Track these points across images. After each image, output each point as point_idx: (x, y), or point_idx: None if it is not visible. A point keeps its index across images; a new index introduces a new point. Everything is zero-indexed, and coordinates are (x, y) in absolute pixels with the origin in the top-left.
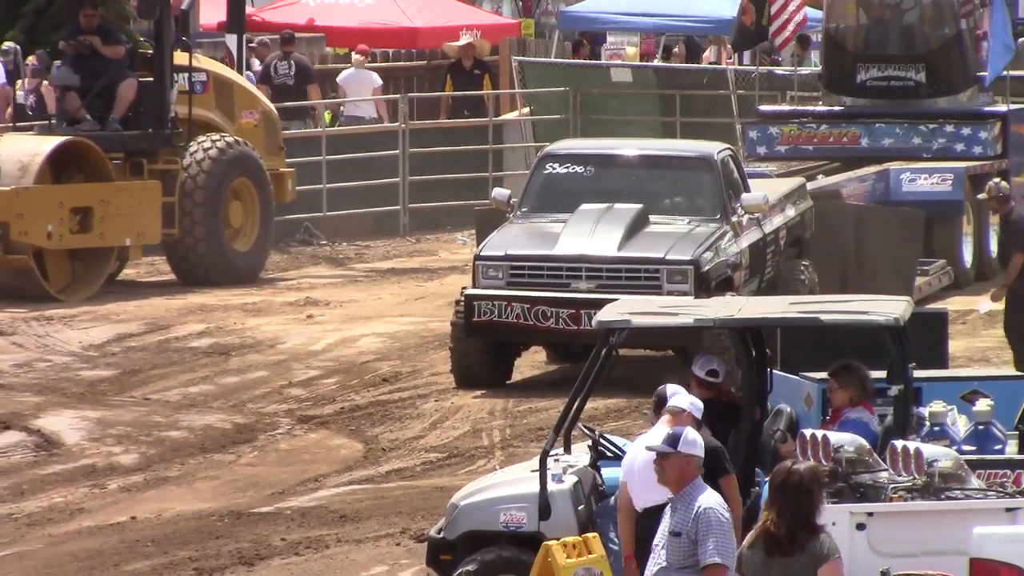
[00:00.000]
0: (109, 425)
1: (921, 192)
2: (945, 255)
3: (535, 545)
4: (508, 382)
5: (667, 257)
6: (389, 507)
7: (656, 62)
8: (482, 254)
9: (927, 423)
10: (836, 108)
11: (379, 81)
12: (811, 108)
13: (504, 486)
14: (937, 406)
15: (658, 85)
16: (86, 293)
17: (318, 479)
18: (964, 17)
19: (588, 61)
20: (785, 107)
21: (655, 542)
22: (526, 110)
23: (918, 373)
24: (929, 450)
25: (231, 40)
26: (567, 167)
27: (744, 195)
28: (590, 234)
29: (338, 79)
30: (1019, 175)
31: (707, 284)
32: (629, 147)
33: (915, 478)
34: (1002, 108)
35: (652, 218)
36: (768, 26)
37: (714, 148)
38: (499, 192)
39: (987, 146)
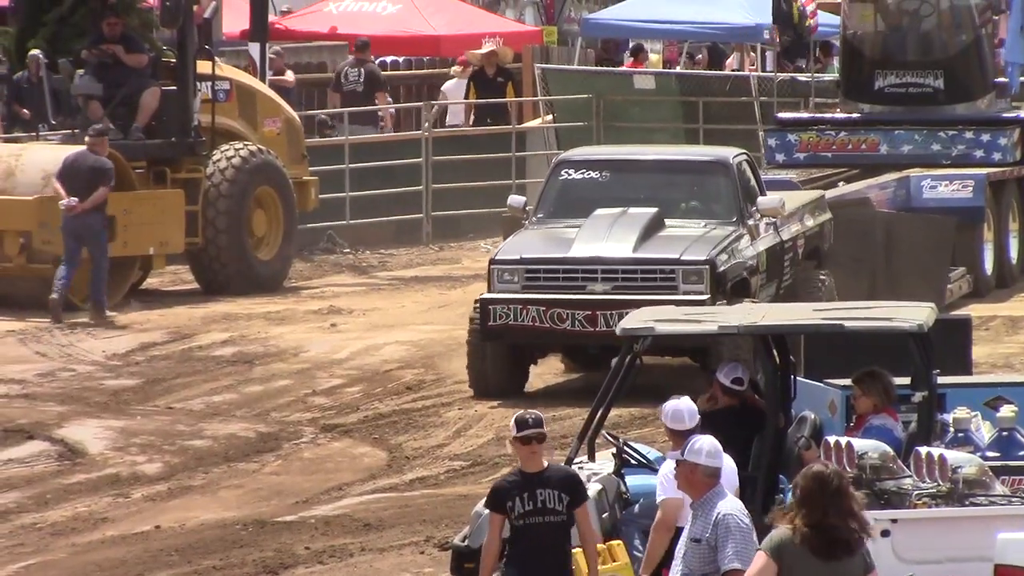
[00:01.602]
0: (133, 434)
1: (942, 199)
2: (965, 262)
3: None
4: (527, 391)
5: (682, 258)
6: (413, 515)
7: (679, 69)
8: (497, 258)
9: (951, 429)
10: (855, 115)
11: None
12: (830, 115)
13: None
14: (961, 412)
15: (681, 92)
16: (110, 302)
17: (342, 488)
18: (982, 24)
19: (612, 68)
20: (804, 114)
21: (677, 549)
22: (549, 117)
23: (942, 379)
24: (953, 456)
25: (254, 49)
26: (582, 173)
27: (760, 199)
28: (605, 237)
29: (443, 88)
30: None
31: (723, 285)
32: (644, 153)
33: (939, 484)
34: (1021, 114)
35: (668, 221)
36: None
37: (730, 153)
38: (514, 199)
39: (1006, 152)
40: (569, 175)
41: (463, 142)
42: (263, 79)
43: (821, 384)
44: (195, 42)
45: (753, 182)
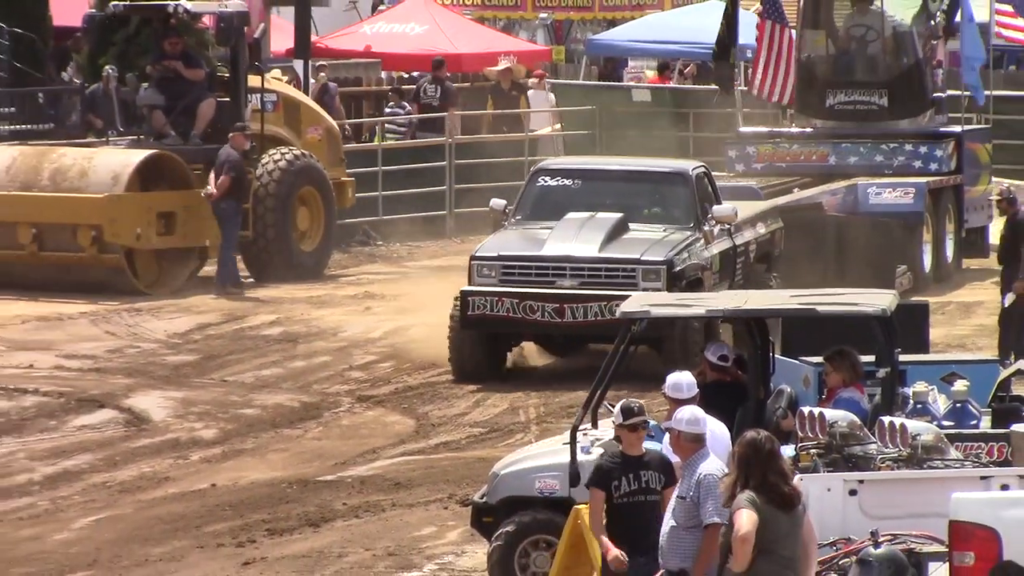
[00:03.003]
0: (191, 404)
1: (886, 204)
2: (907, 261)
3: (566, 509)
4: (508, 372)
5: (642, 258)
6: (438, 475)
7: (672, 84)
8: (477, 255)
9: (911, 401)
10: (808, 129)
11: (553, 98)
12: (786, 129)
13: (539, 457)
14: (920, 386)
15: (673, 104)
16: (171, 288)
17: (375, 451)
18: (922, 47)
19: (612, 83)
20: (762, 128)
21: (668, 507)
22: (557, 126)
23: (903, 357)
24: (913, 425)
25: (298, 65)
26: (557, 180)
27: (715, 207)
28: (574, 238)
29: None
30: (973, 188)
31: (678, 283)
32: (612, 163)
33: (900, 450)
34: (957, 129)
35: (632, 225)
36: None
37: (689, 165)
38: (496, 202)
39: (942, 163)
40: (545, 182)
41: (482, 147)
42: (306, 92)
43: (796, 361)
44: (246, 59)
45: (710, 191)
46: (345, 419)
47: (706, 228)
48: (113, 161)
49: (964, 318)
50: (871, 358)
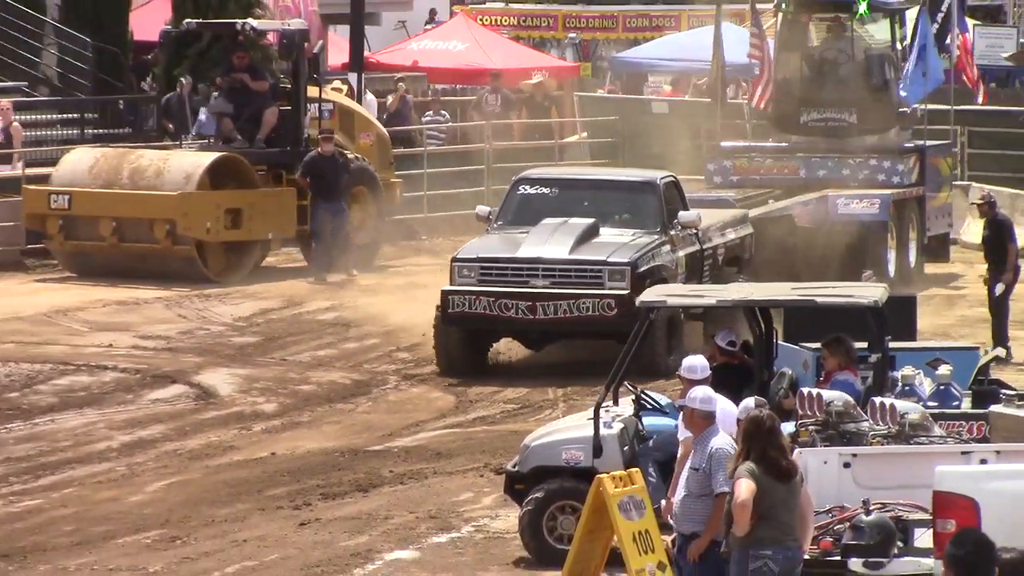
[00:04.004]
0: (254, 380)
1: (854, 213)
2: (872, 266)
3: (590, 478)
4: (488, 366)
5: (609, 260)
6: (475, 447)
7: (687, 97)
8: (458, 257)
9: (900, 384)
10: (783, 144)
11: None
12: (763, 144)
13: (566, 430)
14: (908, 370)
15: (688, 115)
16: (237, 276)
17: (419, 424)
18: (889, 69)
19: (633, 96)
20: (741, 143)
21: (681, 477)
22: (584, 134)
23: (893, 344)
24: (901, 405)
25: (352, 77)
26: (536, 189)
27: (681, 213)
28: (547, 241)
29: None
30: (934, 199)
31: (643, 283)
32: (587, 174)
33: (890, 427)
34: (920, 144)
35: (603, 230)
36: None
37: (658, 175)
38: (481, 209)
39: (904, 176)
40: (526, 190)
41: (517, 152)
42: (359, 101)
43: (797, 347)
44: (306, 72)
45: (677, 199)
46: (392, 395)
47: (672, 233)
48: (186, 162)
49: (948, 309)
50: (864, 345)
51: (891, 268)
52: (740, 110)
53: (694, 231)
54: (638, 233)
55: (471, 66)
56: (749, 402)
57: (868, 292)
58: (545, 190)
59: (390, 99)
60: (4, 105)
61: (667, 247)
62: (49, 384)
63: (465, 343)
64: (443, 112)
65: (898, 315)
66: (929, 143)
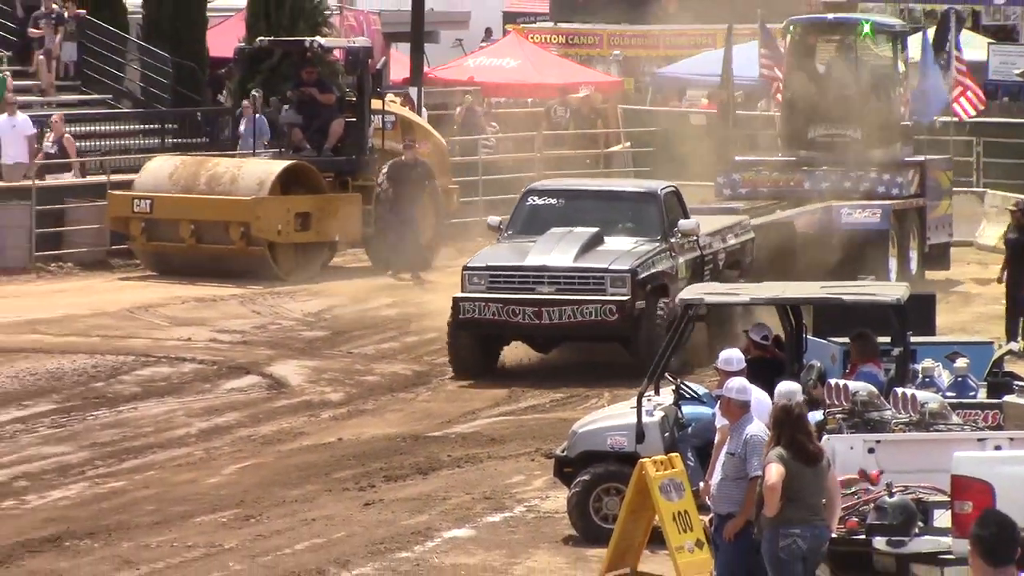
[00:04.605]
0: (322, 371)
1: (857, 222)
2: (875, 272)
3: (633, 462)
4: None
5: (610, 267)
6: (527, 433)
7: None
8: (468, 266)
9: (920, 375)
10: (791, 158)
11: None
12: (773, 158)
13: (611, 418)
14: (927, 363)
15: (724, 126)
16: (305, 275)
17: (475, 412)
18: (892, 88)
19: (673, 108)
20: (752, 156)
21: (718, 461)
22: (627, 144)
23: (914, 339)
24: (921, 395)
25: (413, 91)
26: (544, 199)
27: (681, 221)
28: (553, 250)
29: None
30: (935, 210)
31: (643, 289)
32: (592, 185)
33: (911, 416)
34: (921, 158)
35: (606, 238)
36: None
37: (659, 185)
38: (492, 219)
39: (903, 188)
40: (534, 201)
41: (565, 161)
42: (419, 113)
43: (825, 341)
44: (370, 86)
45: (678, 208)
46: (450, 385)
47: (673, 240)
48: (259, 169)
49: (965, 307)
50: (887, 339)
51: (892, 275)
52: (773, 121)
53: (694, 238)
54: (640, 241)
55: (523, 81)
56: (788, 386)
57: (891, 291)
58: (553, 201)
59: (457, 111)
60: (56, 118)
61: (667, 254)
62: (132, 375)
63: (476, 347)
64: (494, 124)
65: (918, 312)
66: (929, 157)
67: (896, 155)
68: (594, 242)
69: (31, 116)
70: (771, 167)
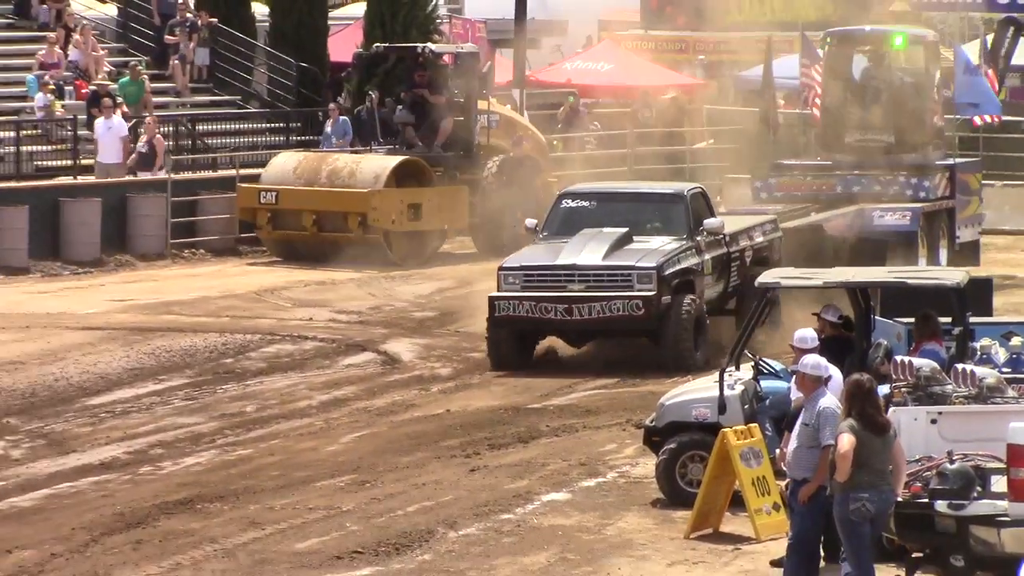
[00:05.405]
0: (432, 349)
1: (888, 225)
2: None
3: (715, 431)
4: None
5: (636, 265)
6: (619, 405)
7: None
8: (503, 266)
9: (978, 353)
10: (827, 162)
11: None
12: (811, 162)
13: (695, 391)
14: (985, 341)
15: (800, 125)
16: (417, 261)
17: (571, 386)
18: (924, 95)
19: (754, 108)
20: (794, 161)
21: (794, 431)
22: (711, 140)
23: (973, 319)
24: (980, 371)
25: (515, 93)
26: (577, 202)
27: (707, 220)
28: (583, 249)
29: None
30: (963, 212)
31: (669, 286)
32: (623, 187)
33: (970, 390)
34: (951, 161)
35: (635, 238)
36: None
37: (686, 186)
38: (529, 221)
39: (930, 192)
40: (568, 203)
41: (655, 156)
42: (521, 113)
43: (891, 321)
44: (476, 88)
45: (704, 208)
46: (549, 361)
47: (699, 239)
48: (375, 164)
49: (1021, 290)
50: (948, 320)
51: None
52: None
53: (721, 236)
54: (667, 240)
55: (616, 84)
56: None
57: (952, 275)
58: (585, 203)
59: (560, 110)
60: (149, 120)
61: (693, 252)
62: (258, 352)
63: (513, 342)
64: (596, 123)
65: (977, 295)
66: (959, 160)
67: (928, 159)
68: (623, 241)
69: (166, 116)
70: (806, 171)
